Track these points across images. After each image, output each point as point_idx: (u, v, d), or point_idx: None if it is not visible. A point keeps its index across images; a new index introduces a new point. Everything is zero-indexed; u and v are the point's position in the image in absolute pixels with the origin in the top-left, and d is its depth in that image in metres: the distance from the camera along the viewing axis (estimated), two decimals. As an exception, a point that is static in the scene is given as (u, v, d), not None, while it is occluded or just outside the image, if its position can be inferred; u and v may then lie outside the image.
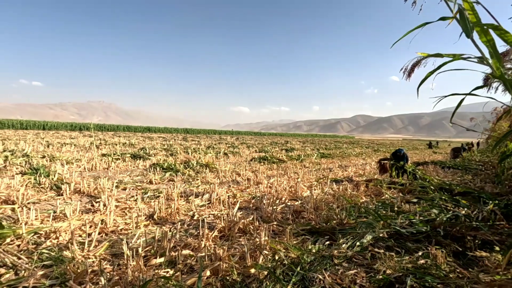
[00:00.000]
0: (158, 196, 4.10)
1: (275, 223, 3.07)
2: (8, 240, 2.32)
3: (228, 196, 4.24)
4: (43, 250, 2.16)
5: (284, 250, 2.26)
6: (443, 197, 3.56)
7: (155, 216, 3.19)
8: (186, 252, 2.22)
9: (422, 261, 2.04)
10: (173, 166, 6.74)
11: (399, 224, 2.67)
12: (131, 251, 2.01)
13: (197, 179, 5.67)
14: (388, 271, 1.92)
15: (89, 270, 1.88)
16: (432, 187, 4.34)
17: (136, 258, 1.93)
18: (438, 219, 2.72)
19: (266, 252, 2.23)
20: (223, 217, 3.12)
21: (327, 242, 2.47)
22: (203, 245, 2.35)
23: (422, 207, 3.24)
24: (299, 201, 4.02)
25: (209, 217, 3.31)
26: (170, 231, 2.70)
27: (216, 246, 2.30)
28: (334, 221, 2.99)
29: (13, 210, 3.22)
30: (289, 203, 3.95)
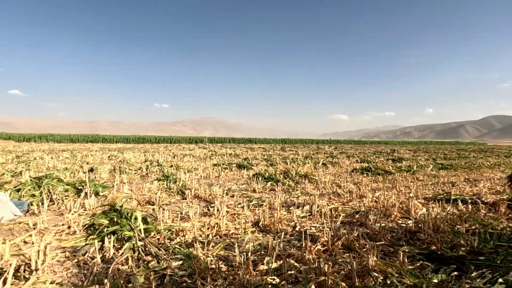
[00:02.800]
0: (262, 205, 4.37)
1: (383, 242, 2.80)
2: (152, 234, 2.94)
3: (330, 209, 4.12)
4: (175, 246, 2.63)
5: (397, 275, 2.03)
6: None
7: (260, 224, 3.41)
8: (290, 262, 2.28)
9: None
10: (273, 176, 7.06)
11: None
12: (241, 255, 2.21)
13: (297, 190, 5.75)
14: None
15: (209, 267, 2.17)
16: None
17: (246, 262, 2.12)
18: None
19: (376, 274, 2.06)
20: (325, 230, 3.06)
21: (454, 273, 2.08)
22: (306, 257, 2.36)
23: None
24: (412, 220, 3.54)
25: (310, 229, 3.30)
26: (274, 239, 2.83)
27: (320, 260, 2.28)
28: (463, 248, 2.49)
29: (153, 210, 4.05)
30: (399, 221, 3.53)
